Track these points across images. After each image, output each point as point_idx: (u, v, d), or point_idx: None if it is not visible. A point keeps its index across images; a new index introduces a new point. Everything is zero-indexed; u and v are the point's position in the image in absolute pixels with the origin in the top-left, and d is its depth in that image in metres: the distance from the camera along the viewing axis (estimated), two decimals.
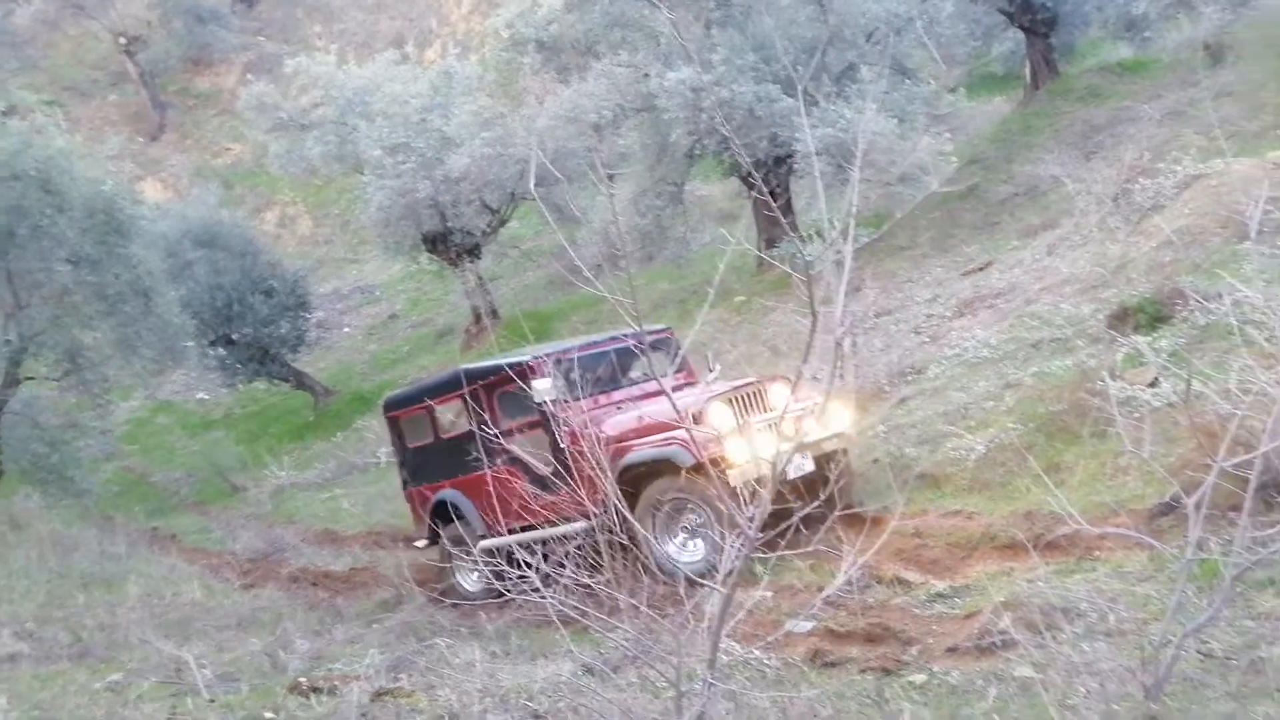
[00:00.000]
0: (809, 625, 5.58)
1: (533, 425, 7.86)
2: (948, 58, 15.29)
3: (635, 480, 7.21)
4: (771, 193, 15.34)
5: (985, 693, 4.27)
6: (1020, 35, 19.14)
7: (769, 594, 6.05)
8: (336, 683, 5.76)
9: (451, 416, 8.69)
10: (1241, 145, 11.58)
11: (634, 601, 4.60)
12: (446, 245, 19.65)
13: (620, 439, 7.35)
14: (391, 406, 9.56)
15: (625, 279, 3.98)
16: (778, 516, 3.91)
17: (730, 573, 4.00)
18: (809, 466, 7.08)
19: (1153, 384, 7.04)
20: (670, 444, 7.04)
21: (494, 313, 20.16)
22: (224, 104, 34.25)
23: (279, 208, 31.34)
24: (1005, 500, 7.00)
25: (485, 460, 7.89)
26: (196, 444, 20.76)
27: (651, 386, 7.89)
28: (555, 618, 4.50)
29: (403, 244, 19.89)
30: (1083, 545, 5.86)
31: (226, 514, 16.03)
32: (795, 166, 14.51)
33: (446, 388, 8.71)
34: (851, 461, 7.74)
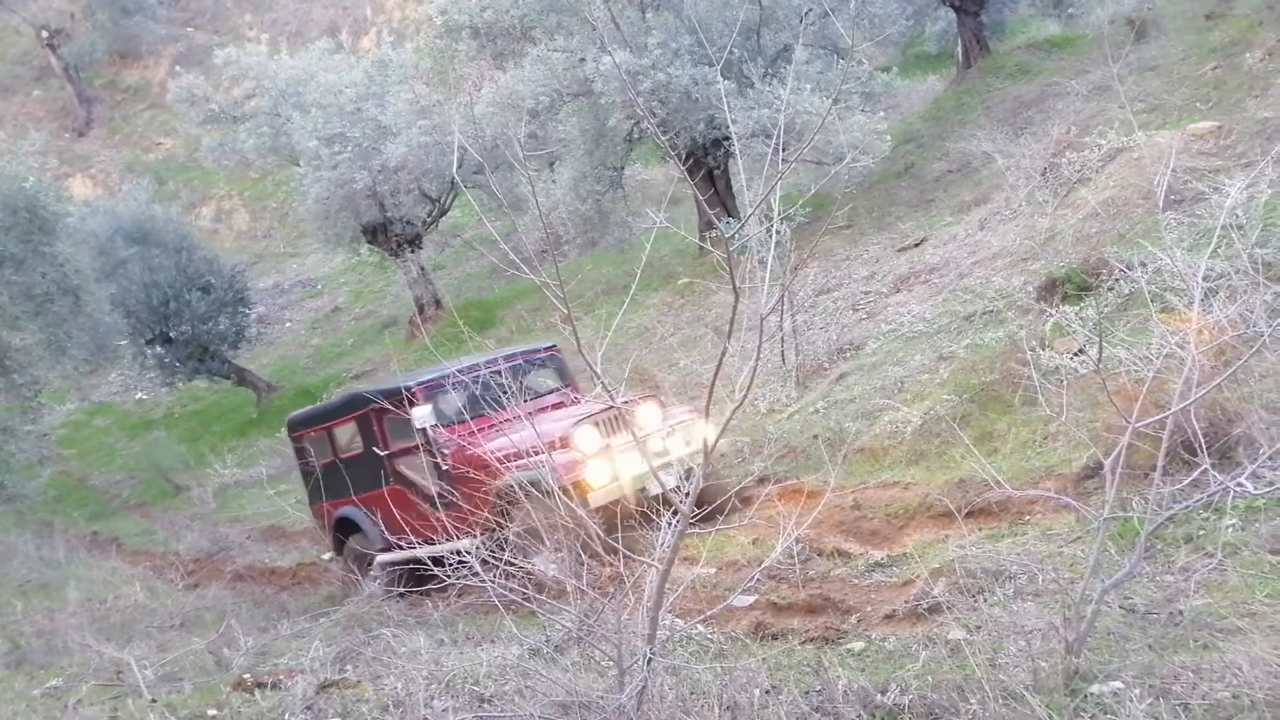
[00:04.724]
0: (750, 599, 5.67)
1: (418, 448, 8.14)
2: (881, 37, 15.47)
3: (511, 499, 7.45)
4: (710, 174, 15.42)
5: (918, 656, 4.39)
6: (952, 14, 19.44)
7: (711, 570, 6.14)
8: (281, 677, 5.71)
9: (348, 437, 8.97)
10: (1164, 118, 11.91)
11: (577, 583, 4.65)
12: (387, 235, 19.47)
13: (498, 464, 7.55)
14: (295, 426, 9.78)
15: (567, 269, 4.02)
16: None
17: (667, 550, 4.07)
18: (671, 483, 7.38)
19: (1078, 352, 7.24)
20: (536, 468, 7.29)
21: (437, 303, 20.03)
22: (153, 97, 33.49)
23: (214, 202, 30.75)
24: (941, 470, 7.16)
25: (380, 479, 8.42)
26: (137, 445, 20.38)
27: (545, 400, 8.52)
28: (499, 603, 4.53)
29: (343, 236, 19.67)
30: (1014, 510, 6.02)
31: (169, 515, 15.79)
32: (732, 148, 14.58)
33: (342, 410, 9.03)
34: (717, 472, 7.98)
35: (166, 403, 22.27)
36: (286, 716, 5.02)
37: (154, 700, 5.59)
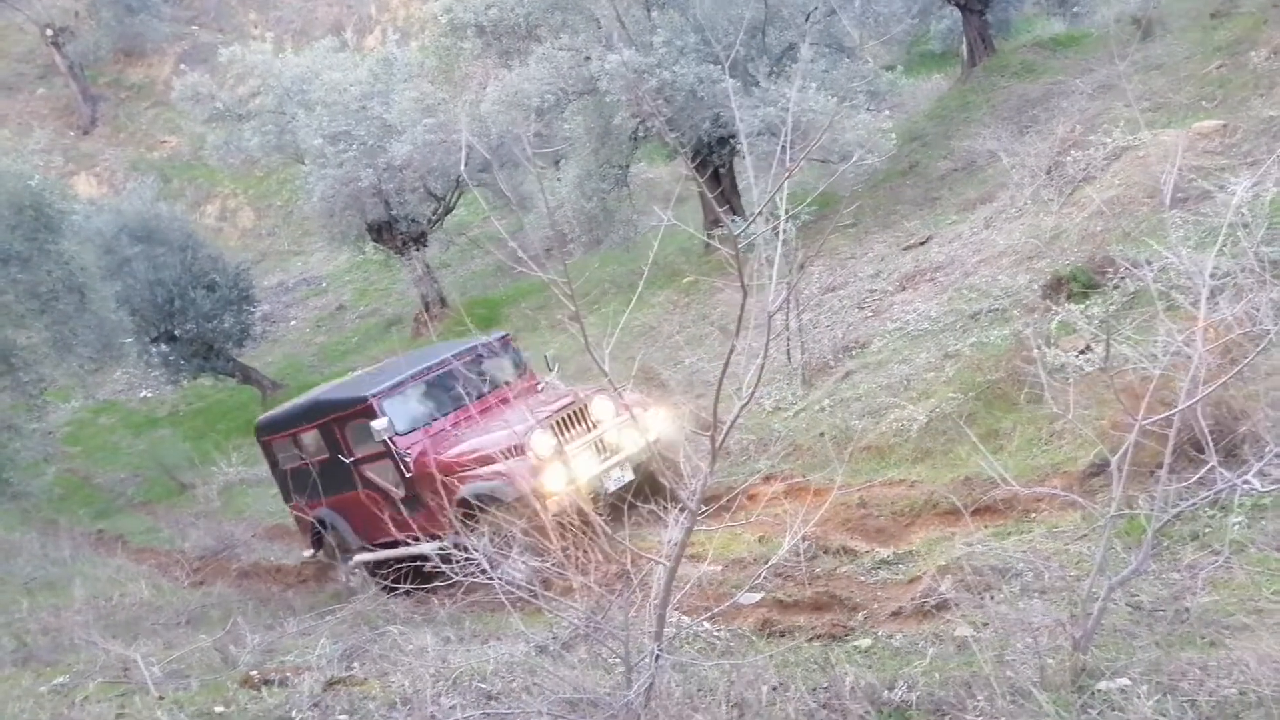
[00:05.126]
0: (757, 596, 5.67)
1: (381, 455, 8.17)
2: (886, 36, 15.45)
3: (473, 506, 7.50)
4: (716, 173, 15.42)
5: (925, 653, 4.39)
6: (957, 13, 19.40)
7: (717, 567, 6.15)
8: (288, 674, 5.72)
9: (314, 443, 8.99)
10: (1169, 116, 11.89)
11: (585, 581, 4.66)
12: (392, 234, 19.48)
13: (459, 469, 7.58)
14: (263, 430, 9.80)
15: (573, 267, 4.04)
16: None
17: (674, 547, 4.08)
18: (629, 476, 7.41)
19: (1084, 350, 7.24)
20: (496, 477, 7.31)
21: (442, 301, 20.05)
22: (158, 95, 33.47)
23: (219, 200, 30.77)
24: (947, 468, 7.16)
25: (349, 484, 8.49)
26: (142, 443, 20.40)
27: (504, 393, 8.33)
28: (505, 600, 4.54)
29: (347, 234, 19.68)
30: (1020, 508, 6.03)
31: (175, 513, 15.80)
32: (738, 147, 14.59)
33: (305, 417, 9.04)
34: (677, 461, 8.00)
35: (171, 401, 22.29)
36: (293, 713, 5.03)
37: (161, 697, 5.61)
